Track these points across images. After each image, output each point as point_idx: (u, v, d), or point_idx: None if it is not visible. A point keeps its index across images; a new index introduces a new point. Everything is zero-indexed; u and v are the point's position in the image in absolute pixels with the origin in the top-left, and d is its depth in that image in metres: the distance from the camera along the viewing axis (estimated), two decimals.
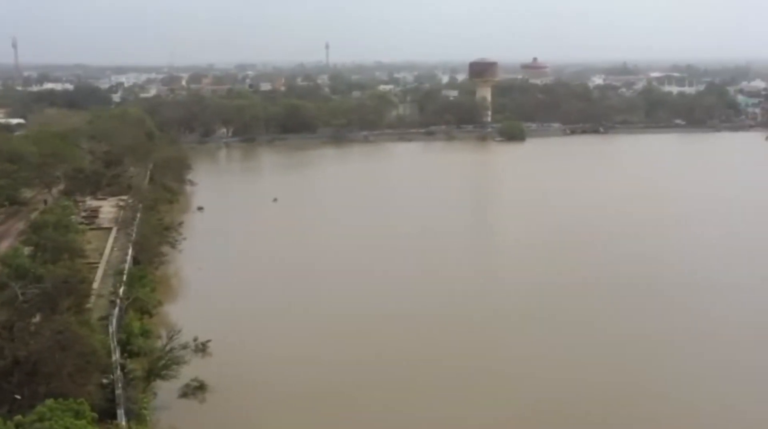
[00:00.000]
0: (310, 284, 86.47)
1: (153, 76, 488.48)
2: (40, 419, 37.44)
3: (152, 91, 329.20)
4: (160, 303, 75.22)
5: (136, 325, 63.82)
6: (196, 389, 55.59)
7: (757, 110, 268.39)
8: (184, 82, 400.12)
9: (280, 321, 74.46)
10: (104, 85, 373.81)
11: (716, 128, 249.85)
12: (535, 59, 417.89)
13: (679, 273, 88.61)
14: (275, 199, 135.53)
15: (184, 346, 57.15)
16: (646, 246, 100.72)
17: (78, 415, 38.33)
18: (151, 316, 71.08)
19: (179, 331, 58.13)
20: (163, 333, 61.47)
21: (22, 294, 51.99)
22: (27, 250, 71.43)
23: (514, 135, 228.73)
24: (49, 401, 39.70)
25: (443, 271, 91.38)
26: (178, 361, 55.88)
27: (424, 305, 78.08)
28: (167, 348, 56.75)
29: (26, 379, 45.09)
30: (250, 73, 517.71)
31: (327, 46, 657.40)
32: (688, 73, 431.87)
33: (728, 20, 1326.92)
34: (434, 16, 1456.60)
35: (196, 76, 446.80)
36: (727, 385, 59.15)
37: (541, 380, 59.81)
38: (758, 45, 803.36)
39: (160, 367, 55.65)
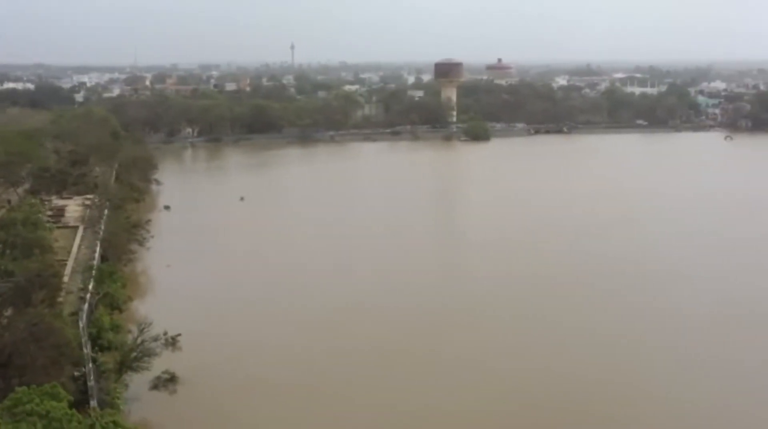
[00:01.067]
0: (278, 281, 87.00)
1: (116, 76, 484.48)
2: (16, 404, 37.80)
3: (115, 91, 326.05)
4: (130, 299, 75.37)
5: (106, 320, 63.80)
6: (167, 381, 56.36)
7: (717, 111, 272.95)
8: (147, 82, 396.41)
9: (249, 316, 75.10)
10: (66, 84, 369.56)
11: (677, 128, 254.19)
12: (499, 60, 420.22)
13: (644, 268, 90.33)
14: (242, 198, 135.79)
15: (155, 339, 57.82)
16: (611, 244, 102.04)
17: (54, 399, 38.73)
18: (121, 311, 71.15)
19: (150, 324, 58.74)
20: (134, 328, 61.95)
21: None
22: None
23: (478, 135, 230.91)
24: (22, 388, 39.91)
25: (416, 268, 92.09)
26: (149, 353, 56.58)
27: (398, 301, 79.12)
28: (139, 340, 57.33)
29: (0, 371, 45.40)
30: (214, 73, 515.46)
31: (292, 47, 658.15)
32: (651, 74, 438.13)
33: (690, 23, 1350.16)
34: (400, 17, 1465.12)
35: (160, 76, 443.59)
36: (710, 377, 60.94)
37: (527, 374, 60.82)
38: (719, 47, 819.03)
39: (132, 359, 56.25)
